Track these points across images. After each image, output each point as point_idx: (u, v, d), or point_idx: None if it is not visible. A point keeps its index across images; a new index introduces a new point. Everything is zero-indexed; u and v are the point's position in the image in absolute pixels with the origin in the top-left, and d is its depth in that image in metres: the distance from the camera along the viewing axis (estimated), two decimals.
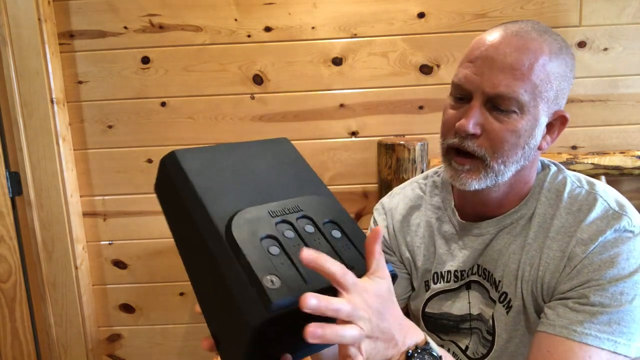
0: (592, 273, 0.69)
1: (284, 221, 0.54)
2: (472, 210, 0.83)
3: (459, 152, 0.75)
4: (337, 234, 0.55)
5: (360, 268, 0.52)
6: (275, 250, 0.51)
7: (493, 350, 0.80)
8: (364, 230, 0.57)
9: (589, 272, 0.69)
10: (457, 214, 0.85)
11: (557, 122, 0.76)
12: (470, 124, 0.71)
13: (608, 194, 0.75)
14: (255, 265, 0.48)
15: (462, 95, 0.74)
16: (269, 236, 0.52)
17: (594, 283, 0.68)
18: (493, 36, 0.72)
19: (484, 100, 0.71)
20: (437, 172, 0.93)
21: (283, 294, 0.47)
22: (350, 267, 0.50)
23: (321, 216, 0.56)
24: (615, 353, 0.66)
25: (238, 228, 0.51)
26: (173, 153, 0.58)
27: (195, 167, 0.57)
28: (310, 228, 0.54)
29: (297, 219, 0.55)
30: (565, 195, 0.76)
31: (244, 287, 0.48)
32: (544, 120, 0.73)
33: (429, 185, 0.92)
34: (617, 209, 0.72)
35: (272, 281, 0.47)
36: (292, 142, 0.68)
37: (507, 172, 0.74)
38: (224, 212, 0.53)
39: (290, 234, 0.53)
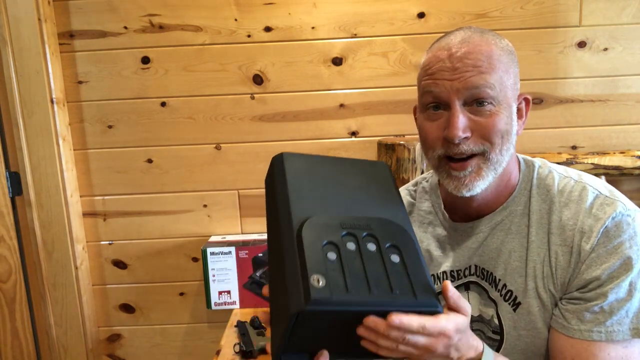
0: (601, 267, 0.71)
1: (350, 234, 0.59)
2: (462, 212, 0.84)
3: (453, 160, 0.75)
4: (395, 258, 0.59)
5: (404, 294, 0.56)
6: (332, 256, 0.56)
7: (502, 349, 0.80)
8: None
9: (598, 266, 0.71)
10: (447, 216, 0.86)
11: (523, 105, 0.80)
12: (460, 129, 0.71)
13: (595, 182, 0.78)
14: (310, 264, 0.54)
15: (437, 104, 0.75)
16: (332, 243, 0.58)
17: (607, 279, 0.70)
18: (445, 50, 0.74)
19: (461, 103, 0.72)
20: (425, 178, 0.94)
21: (324, 294, 0.52)
22: (394, 291, 0.55)
23: (387, 239, 0.60)
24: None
25: (308, 229, 0.58)
26: (281, 154, 0.68)
27: (295, 169, 0.67)
28: (372, 246, 0.59)
29: (364, 236, 0.59)
30: (556, 188, 0.78)
31: (296, 278, 0.54)
32: (514, 107, 0.76)
33: (419, 192, 0.93)
34: (608, 194, 0.75)
35: (318, 280, 0.53)
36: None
37: (504, 162, 0.75)
38: (304, 213, 0.61)
39: (352, 246, 0.58)
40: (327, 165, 0.70)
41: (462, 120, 0.72)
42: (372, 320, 0.54)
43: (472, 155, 0.74)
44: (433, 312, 0.57)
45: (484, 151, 0.73)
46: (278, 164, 0.68)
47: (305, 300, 0.52)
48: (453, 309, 0.60)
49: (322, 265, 0.54)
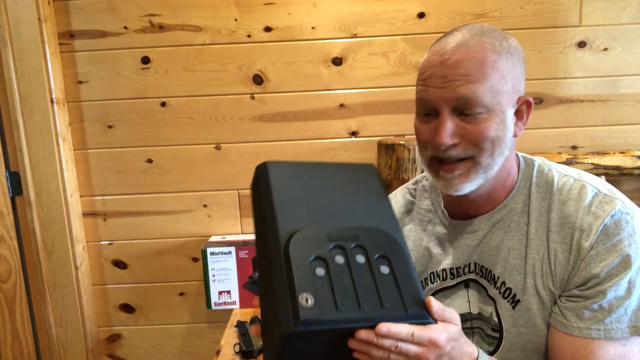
0: (600, 265, 0.71)
1: (338, 247, 0.58)
2: (462, 210, 0.84)
3: (443, 161, 0.76)
4: (385, 269, 0.58)
5: (394, 308, 0.55)
6: (320, 272, 0.55)
7: (502, 346, 0.80)
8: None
9: (597, 264, 0.71)
10: (447, 214, 0.86)
11: (524, 107, 0.79)
12: (446, 137, 0.72)
13: (595, 180, 0.78)
14: (298, 282, 0.53)
15: (428, 111, 0.76)
16: (320, 258, 0.56)
17: (606, 277, 0.71)
18: (438, 55, 0.74)
19: (450, 110, 0.73)
20: (425, 177, 0.95)
21: (313, 313, 0.52)
22: (385, 306, 0.55)
23: (375, 249, 0.59)
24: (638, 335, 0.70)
25: (295, 244, 0.57)
26: (265, 163, 0.66)
27: (280, 178, 0.64)
28: (361, 258, 0.58)
29: (352, 247, 0.59)
30: (555, 186, 0.78)
31: (285, 297, 0.54)
32: (510, 111, 0.75)
33: (419, 190, 0.94)
34: (607, 193, 0.75)
35: (307, 299, 0.52)
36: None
37: (495, 166, 0.75)
38: (290, 225, 0.59)
39: (340, 259, 0.57)
40: (313, 173, 0.68)
41: (449, 127, 0.72)
42: (364, 333, 0.54)
43: (462, 159, 0.74)
44: (424, 324, 0.57)
45: (473, 156, 0.74)
46: (262, 174, 0.66)
47: (294, 321, 0.51)
48: (441, 321, 0.61)
49: (310, 283, 0.54)
